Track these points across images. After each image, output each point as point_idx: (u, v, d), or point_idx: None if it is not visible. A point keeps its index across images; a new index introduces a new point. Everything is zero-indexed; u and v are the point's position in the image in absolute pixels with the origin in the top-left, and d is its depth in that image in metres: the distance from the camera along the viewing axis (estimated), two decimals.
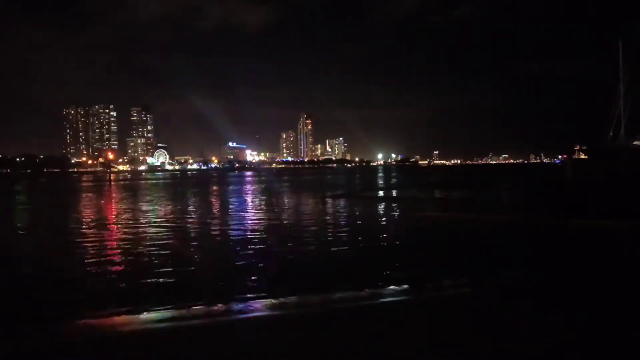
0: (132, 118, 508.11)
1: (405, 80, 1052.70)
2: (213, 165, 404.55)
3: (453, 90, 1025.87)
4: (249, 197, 56.26)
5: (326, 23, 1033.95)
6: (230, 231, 25.73)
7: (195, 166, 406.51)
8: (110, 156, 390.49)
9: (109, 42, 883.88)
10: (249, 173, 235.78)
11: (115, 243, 22.44)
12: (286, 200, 51.22)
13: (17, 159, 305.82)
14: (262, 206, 42.76)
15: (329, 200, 45.43)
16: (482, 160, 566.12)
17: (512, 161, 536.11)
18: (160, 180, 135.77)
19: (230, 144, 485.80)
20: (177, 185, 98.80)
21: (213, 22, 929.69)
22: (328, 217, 31.57)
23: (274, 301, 11.68)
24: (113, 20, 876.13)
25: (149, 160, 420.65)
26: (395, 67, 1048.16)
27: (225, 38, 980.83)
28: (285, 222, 29.55)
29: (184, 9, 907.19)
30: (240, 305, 11.38)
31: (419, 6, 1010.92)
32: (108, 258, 18.39)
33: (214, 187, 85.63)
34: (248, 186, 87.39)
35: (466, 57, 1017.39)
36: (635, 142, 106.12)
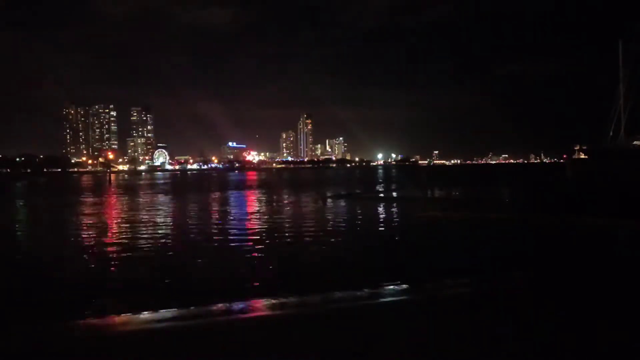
0: (132, 118, 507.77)
1: (405, 80, 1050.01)
2: (213, 165, 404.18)
3: (453, 91, 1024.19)
4: (259, 199, 56.27)
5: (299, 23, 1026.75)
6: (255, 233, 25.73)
7: (195, 166, 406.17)
8: (110, 156, 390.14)
9: (88, 42, 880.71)
10: (237, 172, 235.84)
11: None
12: (293, 201, 51.26)
13: (17, 159, 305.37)
14: (275, 208, 42.80)
15: (334, 201, 45.41)
16: (482, 160, 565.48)
17: (512, 161, 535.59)
18: (160, 181, 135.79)
19: (230, 144, 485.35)
20: (180, 186, 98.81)
21: (185, 22, 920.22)
22: (334, 219, 31.65)
23: (273, 301, 11.67)
24: (87, 20, 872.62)
25: (148, 160, 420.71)
26: (394, 67, 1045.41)
27: (200, 38, 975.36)
28: (299, 224, 29.51)
29: (148, 9, 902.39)
30: (240, 305, 11.38)
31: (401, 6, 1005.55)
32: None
33: (219, 189, 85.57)
34: (254, 187, 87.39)
35: (465, 57, 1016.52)
36: (635, 142, 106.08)
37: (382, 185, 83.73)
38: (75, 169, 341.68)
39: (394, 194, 60.39)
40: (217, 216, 34.99)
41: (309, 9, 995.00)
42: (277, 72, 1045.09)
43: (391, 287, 13.01)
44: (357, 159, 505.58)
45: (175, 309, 11.08)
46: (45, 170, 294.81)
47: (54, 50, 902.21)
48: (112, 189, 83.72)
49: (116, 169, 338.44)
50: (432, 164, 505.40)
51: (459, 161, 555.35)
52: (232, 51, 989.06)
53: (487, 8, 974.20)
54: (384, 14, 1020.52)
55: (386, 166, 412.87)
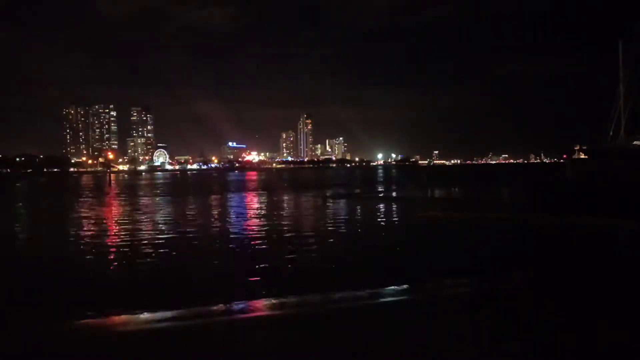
0: (132, 118, 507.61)
1: (405, 80, 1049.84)
2: (213, 165, 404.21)
3: (453, 91, 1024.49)
4: (260, 200, 56.32)
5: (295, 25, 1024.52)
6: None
7: (195, 166, 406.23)
8: (110, 156, 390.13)
9: (88, 42, 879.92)
10: (237, 172, 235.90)
11: None
12: (293, 202, 51.31)
13: (17, 159, 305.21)
14: (276, 209, 42.81)
15: (335, 201, 45.43)
16: (482, 160, 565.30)
17: (512, 161, 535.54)
18: (161, 181, 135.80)
19: (230, 144, 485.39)
20: (181, 186, 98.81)
21: (183, 22, 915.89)
22: (335, 219, 31.69)
23: (274, 301, 11.67)
24: (87, 20, 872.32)
25: (148, 160, 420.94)
26: (394, 67, 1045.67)
27: (200, 38, 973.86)
28: (299, 224, 29.53)
29: (148, 10, 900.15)
30: (241, 305, 11.37)
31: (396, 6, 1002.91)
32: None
33: (219, 190, 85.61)
34: (255, 188, 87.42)
35: (465, 57, 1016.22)
36: (635, 142, 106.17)
37: (382, 185, 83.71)
38: (75, 169, 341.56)
39: (394, 194, 60.40)
40: (218, 217, 34.99)
41: (309, 9, 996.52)
42: (277, 72, 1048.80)
43: (391, 287, 13.00)
44: (357, 159, 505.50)
45: (175, 309, 11.07)
46: (45, 170, 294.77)
47: (54, 50, 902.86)
48: (112, 189, 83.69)
49: (116, 169, 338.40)
50: (432, 164, 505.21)
51: (459, 161, 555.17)
52: (232, 51, 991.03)
53: (487, 8, 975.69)
54: (384, 14, 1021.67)
55: (386, 166, 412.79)
